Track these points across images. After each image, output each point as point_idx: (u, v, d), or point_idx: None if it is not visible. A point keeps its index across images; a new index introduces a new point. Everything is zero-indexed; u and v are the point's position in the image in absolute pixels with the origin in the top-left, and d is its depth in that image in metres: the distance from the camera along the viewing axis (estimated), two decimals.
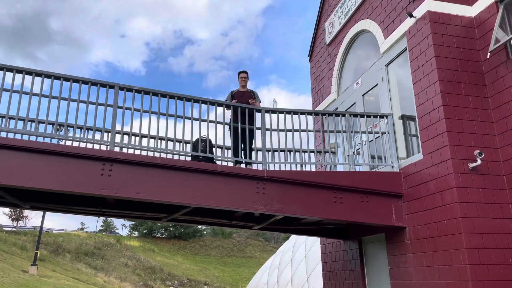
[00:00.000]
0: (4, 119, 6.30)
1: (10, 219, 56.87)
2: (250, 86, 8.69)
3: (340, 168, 8.91)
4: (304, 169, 7.50)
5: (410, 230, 6.95)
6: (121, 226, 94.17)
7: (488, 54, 6.69)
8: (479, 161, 6.13)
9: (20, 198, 7.35)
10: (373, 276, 8.22)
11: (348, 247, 9.09)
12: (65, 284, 28.12)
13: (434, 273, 6.27)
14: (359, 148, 8.09)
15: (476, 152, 6.16)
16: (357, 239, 8.76)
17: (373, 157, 8.04)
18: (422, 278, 6.51)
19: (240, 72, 8.65)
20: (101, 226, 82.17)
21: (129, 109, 6.81)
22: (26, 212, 56.18)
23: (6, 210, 55.13)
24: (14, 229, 52.45)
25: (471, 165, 6.18)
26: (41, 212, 35.18)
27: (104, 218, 71.75)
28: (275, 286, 27.02)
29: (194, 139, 7.08)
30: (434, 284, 6.24)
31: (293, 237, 29.93)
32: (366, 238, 8.54)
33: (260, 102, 8.49)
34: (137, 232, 77.81)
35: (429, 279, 6.35)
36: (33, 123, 6.62)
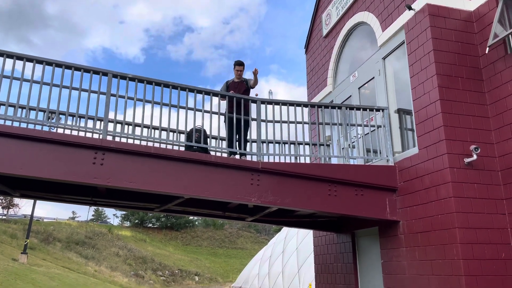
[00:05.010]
0: None
1: (0, 207, 56.45)
2: (248, 75, 8.49)
3: (334, 160, 8.88)
4: (298, 161, 7.44)
5: (403, 224, 6.94)
6: (113, 216, 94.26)
7: (487, 49, 6.65)
8: (475, 156, 6.11)
9: (10, 185, 7.22)
10: (365, 269, 8.23)
11: (341, 240, 9.08)
12: (55, 273, 27.99)
13: (427, 267, 6.28)
14: (354, 141, 8.05)
15: (472, 147, 6.14)
16: (350, 232, 8.75)
17: (368, 150, 8.01)
18: (414, 272, 6.52)
19: (236, 64, 8.29)
20: (93, 215, 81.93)
21: (123, 97, 6.68)
22: (16, 200, 55.81)
23: None
24: (4, 217, 52.03)
25: (467, 160, 6.16)
26: (32, 200, 34.93)
27: (95, 207, 71.60)
28: (266, 277, 27.15)
29: (188, 129, 6.98)
30: (426, 278, 6.25)
31: (285, 229, 30.03)
32: (359, 231, 8.54)
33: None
34: (128, 222, 77.73)
35: (422, 273, 6.36)
36: (24, 110, 6.49)
